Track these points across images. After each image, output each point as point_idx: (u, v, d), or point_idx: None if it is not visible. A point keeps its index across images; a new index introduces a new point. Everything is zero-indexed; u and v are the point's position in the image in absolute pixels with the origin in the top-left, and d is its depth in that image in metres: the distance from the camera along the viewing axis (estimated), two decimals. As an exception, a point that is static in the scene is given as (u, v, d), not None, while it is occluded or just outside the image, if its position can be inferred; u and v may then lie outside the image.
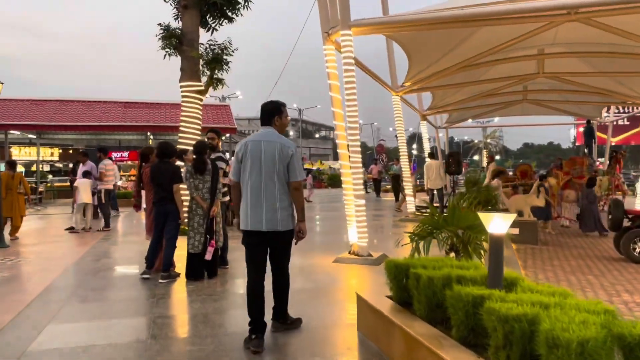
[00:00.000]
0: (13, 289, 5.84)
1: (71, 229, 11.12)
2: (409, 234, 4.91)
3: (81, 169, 11.64)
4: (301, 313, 4.53)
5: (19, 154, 27.13)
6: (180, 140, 10.62)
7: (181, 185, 6.22)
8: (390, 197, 21.53)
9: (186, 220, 6.21)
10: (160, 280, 6.03)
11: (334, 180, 35.05)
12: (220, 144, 6.83)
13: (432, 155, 13.56)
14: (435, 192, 13.31)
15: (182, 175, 6.34)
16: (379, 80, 11.41)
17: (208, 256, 6.25)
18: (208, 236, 6.14)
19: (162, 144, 6.20)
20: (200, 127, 11.02)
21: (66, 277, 6.45)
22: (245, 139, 4.21)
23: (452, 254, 4.66)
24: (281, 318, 4.32)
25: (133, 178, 22.64)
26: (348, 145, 7.50)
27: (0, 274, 6.67)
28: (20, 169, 30.53)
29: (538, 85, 15.60)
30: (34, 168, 26.06)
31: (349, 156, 7.45)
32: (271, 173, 3.99)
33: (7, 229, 9.99)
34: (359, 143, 7.31)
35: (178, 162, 6.65)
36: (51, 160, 28.93)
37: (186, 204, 6.37)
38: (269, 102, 4.31)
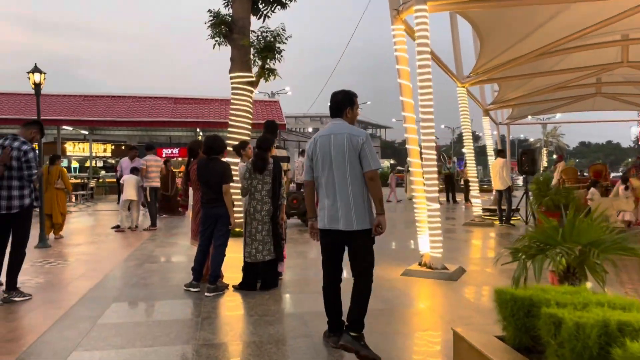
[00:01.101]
0: (44, 299, 5.20)
1: (117, 228, 10.66)
2: (511, 249, 3.91)
3: (128, 164, 11.16)
4: (374, 346, 3.62)
5: (73, 149, 27.54)
6: (229, 135, 9.93)
7: (234, 185, 5.45)
8: (442, 198, 20.26)
9: (237, 226, 5.44)
10: (206, 294, 5.26)
11: (384, 179, 33.95)
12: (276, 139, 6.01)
13: (501, 152, 12.27)
14: (502, 193, 12.03)
15: (241, 173, 5.57)
16: (446, 69, 10.31)
17: (282, 268, 5.52)
18: (276, 247, 5.41)
19: (210, 138, 5.41)
20: (250, 122, 10.29)
21: (104, 286, 5.79)
22: (314, 135, 3.92)
23: (582, 283, 3.61)
24: (355, 330, 3.59)
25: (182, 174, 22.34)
26: (420, 140, 6.53)
27: (35, 279, 6.10)
28: (74, 164, 31.32)
29: (613, 77, 13.99)
30: (87, 164, 26.36)
31: (421, 152, 6.47)
32: (342, 167, 3.68)
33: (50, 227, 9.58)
34: (433, 137, 6.31)
35: (228, 159, 5.86)
36: (104, 156, 29.27)
37: (239, 204, 5.58)
38: (339, 91, 3.91)
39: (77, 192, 19.26)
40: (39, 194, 8.78)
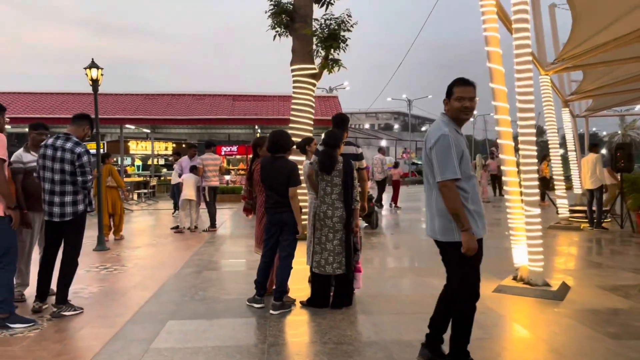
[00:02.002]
0: (96, 314, 4.73)
1: (176, 228, 10.31)
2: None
3: (188, 163, 10.79)
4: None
5: (136, 148, 28.04)
6: (290, 132, 9.30)
7: (301, 186, 4.77)
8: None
9: (304, 235, 4.76)
10: (271, 311, 4.62)
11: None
12: (346, 135, 5.24)
13: (594, 147, 10.94)
14: (593, 193, 10.71)
15: (306, 172, 4.91)
16: (533, 56, 9.19)
17: (358, 284, 4.84)
18: (348, 259, 4.68)
19: (275, 134, 4.75)
20: (312, 117, 9.62)
21: (160, 298, 5.26)
22: None
23: None
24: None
25: (242, 172, 22.17)
26: (514, 134, 5.60)
27: (89, 288, 5.68)
28: (137, 162, 31.95)
29: None
30: (149, 162, 26.74)
31: (518, 148, 5.54)
32: (427, 172, 3.36)
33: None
34: (533, 131, 5.36)
35: (293, 157, 5.18)
36: (165, 154, 29.65)
37: (306, 210, 4.91)
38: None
39: (140, 191, 19.39)
40: (98, 196, 8.55)
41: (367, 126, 77.13)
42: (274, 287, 5.09)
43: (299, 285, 5.45)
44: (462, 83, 3.23)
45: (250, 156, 5.37)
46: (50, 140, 4.69)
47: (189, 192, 10.11)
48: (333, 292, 4.83)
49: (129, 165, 30.67)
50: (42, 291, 4.78)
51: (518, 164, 5.68)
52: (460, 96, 3.20)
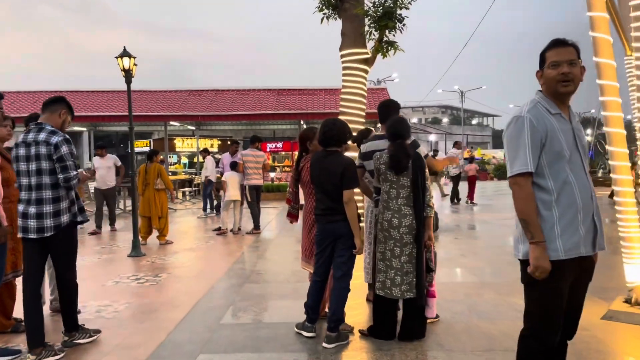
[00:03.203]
0: (112, 345, 3.95)
1: (219, 230, 9.60)
2: None
3: (229, 160, 10.05)
4: None
5: (182, 145, 27.87)
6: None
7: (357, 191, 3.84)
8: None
9: (362, 250, 3.82)
10: (325, 345, 3.71)
11: (501, 172, 30.89)
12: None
13: None
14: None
15: (363, 173, 4.00)
16: (621, 32, 7.88)
17: (432, 312, 3.90)
18: (420, 280, 3.70)
19: (328, 122, 3.81)
20: (364, 108, 8.64)
21: (193, 321, 4.45)
22: None
23: None
24: None
25: (287, 169, 21.44)
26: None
27: (115, 304, 4.95)
28: (184, 160, 31.92)
29: None
30: (195, 160, 26.48)
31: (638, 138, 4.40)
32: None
33: (154, 232, 8.69)
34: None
35: (350, 153, 4.23)
36: (212, 151, 29.38)
37: (362, 206, 3.98)
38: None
39: (185, 189, 18.98)
40: (132, 196, 7.92)
41: (414, 120, 75.11)
42: (327, 309, 4.21)
43: (355, 301, 4.53)
44: (556, 44, 2.40)
45: (297, 152, 4.43)
46: (21, 137, 3.71)
47: (233, 192, 9.38)
48: (401, 320, 3.87)
49: (176, 163, 30.73)
50: (35, 340, 3.58)
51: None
52: (555, 61, 2.35)
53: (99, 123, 21.80)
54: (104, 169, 9.99)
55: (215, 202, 13.09)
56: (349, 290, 3.81)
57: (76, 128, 23.42)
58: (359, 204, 4.73)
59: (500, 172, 30.70)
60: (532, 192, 2.29)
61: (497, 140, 72.55)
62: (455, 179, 15.14)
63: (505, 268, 6.32)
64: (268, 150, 23.76)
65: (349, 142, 4.02)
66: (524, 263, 2.35)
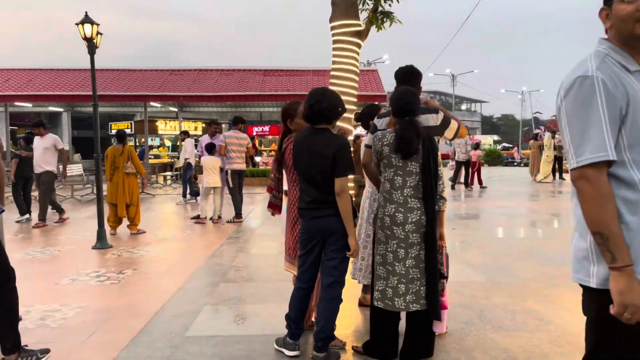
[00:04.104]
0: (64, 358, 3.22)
1: (197, 218, 8.84)
2: None
3: (207, 142, 9.24)
4: None
5: (164, 128, 26.95)
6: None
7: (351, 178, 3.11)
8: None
9: (358, 252, 3.09)
10: (311, 365, 3.02)
11: (491, 158, 30.29)
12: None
13: None
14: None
15: (363, 159, 3.27)
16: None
17: (441, 327, 3.22)
18: (431, 288, 2.99)
19: (316, 93, 3.05)
20: (357, 86, 7.89)
21: (152, 334, 3.72)
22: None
23: None
24: None
25: (274, 153, 20.53)
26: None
27: (66, 308, 4.19)
28: (167, 143, 30.93)
29: None
30: (178, 143, 25.56)
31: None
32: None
33: (126, 221, 7.91)
34: None
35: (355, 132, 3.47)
36: (195, 134, 28.47)
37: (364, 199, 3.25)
38: None
39: (165, 173, 18.15)
40: (97, 182, 7.11)
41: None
42: (313, 318, 3.51)
43: (344, 304, 3.83)
44: None
45: (281, 131, 3.67)
46: None
47: (211, 179, 8.59)
48: (405, 335, 3.18)
49: (159, 145, 29.74)
50: None
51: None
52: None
53: (76, 103, 20.77)
54: (40, 150, 8.70)
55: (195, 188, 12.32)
56: (340, 300, 3.10)
57: (53, 109, 22.35)
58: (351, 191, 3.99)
59: (490, 159, 30.12)
60: (610, 190, 1.55)
61: (485, 126, 72.12)
62: (464, 165, 15.00)
63: (514, 265, 5.67)
64: (254, 133, 22.92)
65: (353, 122, 3.27)
66: (598, 293, 1.61)
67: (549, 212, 10.29)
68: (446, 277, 3.17)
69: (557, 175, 18.18)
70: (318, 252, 3.08)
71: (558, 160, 18.09)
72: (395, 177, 3.02)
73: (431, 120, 3.33)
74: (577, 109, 1.58)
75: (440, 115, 3.34)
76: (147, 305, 4.30)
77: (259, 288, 4.82)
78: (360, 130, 9.76)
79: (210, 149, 8.73)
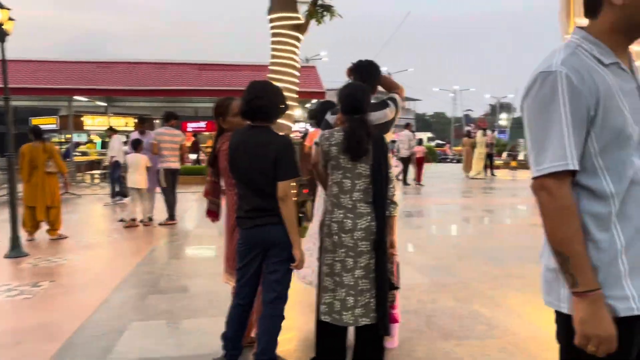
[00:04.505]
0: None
1: (125, 221, 8.23)
2: None
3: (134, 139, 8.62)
4: None
5: (92, 123, 25.46)
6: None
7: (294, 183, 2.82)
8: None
9: (303, 263, 2.80)
10: (250, 390, 2.71)
11: (427, 154, 30.87)
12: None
13: None
14: None
15: (316, 153, 2.98)
16: (572, 11, 7.36)
17: (393, 342, 2.98)
18: (381, 301, 2.74)
19: (255, 86, 2.72)
20: (297, 82, 7.60)
21: (68, 356, 3.28)
22: None
23: None
24: None
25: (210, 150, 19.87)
26: None
27: (-38, 335, 3.64)
28: (96, 139, 29.35)
29: None
30: (107, 139, 24.23)
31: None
32: None
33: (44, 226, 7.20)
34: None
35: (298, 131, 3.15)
36: (126, 131, 27.11)
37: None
38: None
39: (93, 172, 17.08)
40: (10, 182, 6.42)
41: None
42: (253, 333, 3.21)
43: (291, 334, 3.55)
44: None
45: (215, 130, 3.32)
46: None
47: (137, 179, 7.99)
48: (353, 351, 2.93)
49: (87, 142, 28.12)
50: None
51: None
52: None
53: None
54: None
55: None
56: (283, 318, 2.81)
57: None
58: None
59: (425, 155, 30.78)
60: (572, 203, 1.34)
61: (419, 123, 74.00)
62: (406, 161, 15.28)
63: (456, 264, 5.60)
64: (190, 130, 22.13)
65: (298, 119, 2.98)
66: (570, 318, 1.39)
67: (484, 208, 10.48)
68: (397, 288, 2.96)
69: (489, 171, 18.81)
70: (258, 265, 2.77)
71: (489, 157, 18.76)
72: (344, 180, 2.76)
73: (389, 114, 3.14)
74: (537, 111, 1.38)
75: (393, 107, 3.15)
76: (63, 324, 3.82)
77: (194, 299, 4.44)
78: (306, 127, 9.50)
79: (136, 145, 8.14)
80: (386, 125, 3.14)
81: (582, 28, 1.46)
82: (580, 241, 1.32)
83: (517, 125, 66.27)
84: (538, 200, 1.38)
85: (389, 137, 3.31)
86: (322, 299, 2.85)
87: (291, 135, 7.39)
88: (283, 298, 2.77)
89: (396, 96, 3.29)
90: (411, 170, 15.78)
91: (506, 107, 66.08)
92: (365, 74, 3.20)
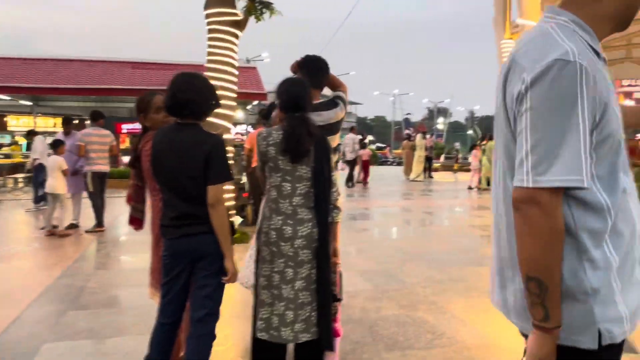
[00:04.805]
0: None
1: (50, 227, 7.58)
2: None
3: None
4: None
5: (17, 123, 23.84)
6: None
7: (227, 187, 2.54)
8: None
9: (236, 277, 2.52)
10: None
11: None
12: (318, 94, 2.98)
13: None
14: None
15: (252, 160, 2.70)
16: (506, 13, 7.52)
17: (333, 358, 2.82)
18: (323, 314, 2.51)
19: (182, 79, 2.41)
20: (236, 81, 7.28)
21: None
22: None
23: None
24: None
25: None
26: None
27: None
28: (21, 140, 27.57)
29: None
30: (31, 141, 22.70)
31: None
32: (500, 154, 1.34)
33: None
34: None
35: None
36: (54, 132, 25.57)
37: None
38: None
39: (16, 175, 15.88)
40: None
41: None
42: (182, 353, 2.88)
43: (221, 324, 3.27)
44: None
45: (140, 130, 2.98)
46: None
47: (54, 183, 7.32)
48: (292, 370, 2.70)
49: (11, 144, 26.32)
50: None
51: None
52: None
53: None
54: None
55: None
56: (214, 337, 2.52)
57: None
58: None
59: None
60: (562, 226, 1.14)
61: (360, 126, 74.93)
62: (352, 164, 15.49)
63: (399, 269, 5.49)
64: (125, 131, 21.14)
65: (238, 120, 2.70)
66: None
67: (425, 210, 10.55)
68: (340, 300, 2.75)
69: (427, 174, 19.18)
70: (186, 279, 2.47)
71: (428, 160, 19.14)
72: (283, 184, 2.52)
73: (340, 113, 2.94)
74: (551, 106, 1.11)
75: (342, 106, 2.96)
76: (-36, 349, 3.34)
77: (120, 315, 4.05)
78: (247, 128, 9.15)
79: (56, 147, 7.52)
80: (336, 126, 2.95)
81: (564, 8, 1.25)
82: (560, 270, 1.15)
83: (452, 129, 68.83)
84: (522, 215, 1.15)
85: (337, 139, 3.12)
86: (259, 314, 2.59)
87: (229, 136, 7.07)
88: (214, 315, 2.48)
89: (343, 95, 3.10)
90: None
91: (443, 112, 68.39)
92: (314, 69, 2.98)
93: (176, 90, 2.34)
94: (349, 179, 15.39)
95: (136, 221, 3.13)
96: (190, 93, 2.33)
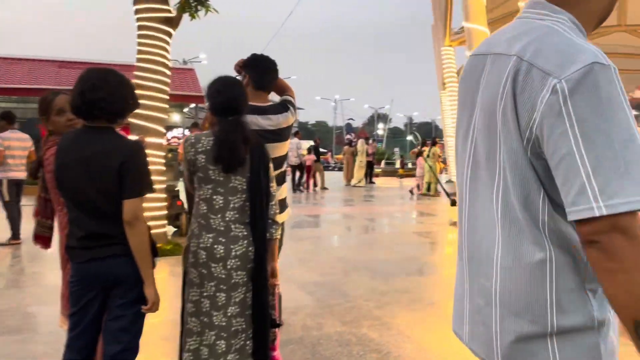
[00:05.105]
0: None
1: (-44, 243, 6.82)
2: None
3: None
4: None
5: None
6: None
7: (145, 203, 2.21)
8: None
9: (158, 305, 2.19)
10: None
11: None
12: (267, 95, 2.73)
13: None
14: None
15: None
16: (447, 21, 7.53)
17: None
18: (260, 343, 2.23)
19: (91, 75, 2.05)
20: (168, 82, 6.85)
21: None
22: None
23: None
24: None
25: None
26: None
27: None
28: None
29: (610, 46, 11.94)
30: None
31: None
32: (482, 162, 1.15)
33: None
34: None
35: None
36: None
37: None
38: None
39: None
40: None
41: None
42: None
43: (147, 337, 2.90)
44: None
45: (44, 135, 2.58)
46: None
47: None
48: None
49: None
50: None
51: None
52: None
53: None
54: None
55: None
56: (134, 375, 2.17)
57: None
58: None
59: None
60: None
61: (301, 131, 75.02)
62: (299, 168, 15.85)
63: (342, 281, 5.28)
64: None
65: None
66: None
67: (367, 217, 10.45)
68: (279, 325, 2.47)
69: (368, 179, 19.26)
70: (98, 309, 2.11)
71: (370, 165, 19.23)
72: (215, 197, 2.22)
73: (291, 118, 2.68)
74: (603, 116, 0.92)
75: (293, 111, 2.71)
76: None
77: (31, 343, 3.57)
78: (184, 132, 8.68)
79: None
80: (286, 131, 2.70)
81: (557, 5, 1.08)
82: None
83: (392, 135, 70.20)
84: (604, 249, 0.92)
85: (286, 146, 2.85)
86: (186, 345, 2.27)
87: (161, 140, 6.63)
88: (132, 350, 2.13)
89: (292, 99, 2.84)
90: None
91: (383, 118, 69.58)
92: (261, 69, 2.70)
93: (85, 87, 1.99)
94: (298, 183, 16.01)
95: (42, 239, 2.71)
96: (101, 91, 1.98)
